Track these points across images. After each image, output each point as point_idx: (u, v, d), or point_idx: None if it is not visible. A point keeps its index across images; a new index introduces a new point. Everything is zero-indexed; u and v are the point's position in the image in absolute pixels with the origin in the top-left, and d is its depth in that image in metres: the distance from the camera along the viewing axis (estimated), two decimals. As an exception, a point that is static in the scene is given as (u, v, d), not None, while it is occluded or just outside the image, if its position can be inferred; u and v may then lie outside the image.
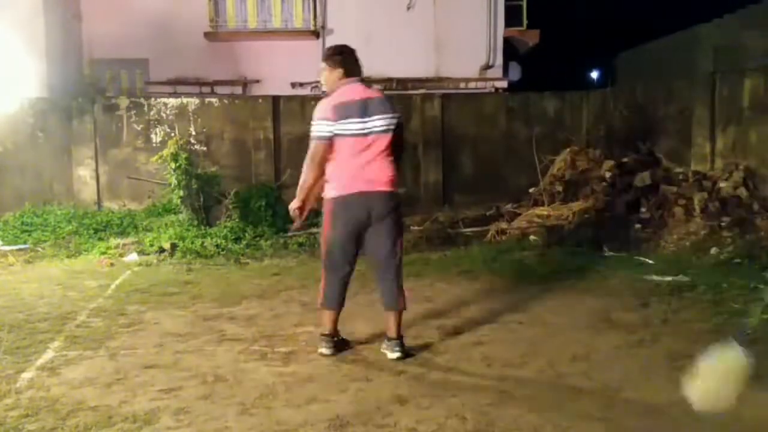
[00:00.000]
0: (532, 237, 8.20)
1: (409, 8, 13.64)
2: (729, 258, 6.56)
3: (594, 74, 29.30)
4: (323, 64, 4.20)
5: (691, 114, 8.76)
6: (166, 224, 8.78)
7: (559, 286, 5.95)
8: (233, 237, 8.26)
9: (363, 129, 4.01)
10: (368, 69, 16.05)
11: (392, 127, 4.11)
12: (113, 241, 8.22)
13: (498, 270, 6.76)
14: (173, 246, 7.82)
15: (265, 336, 4.60)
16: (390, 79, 13.31)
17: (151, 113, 10.36)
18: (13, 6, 10.68)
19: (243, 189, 9.41)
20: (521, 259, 7.26)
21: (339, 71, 4.16)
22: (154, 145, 10.14)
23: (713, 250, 6.81)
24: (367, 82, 4.17)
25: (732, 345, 2.97)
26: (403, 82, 13.41)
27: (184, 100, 10.58)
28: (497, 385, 3.61)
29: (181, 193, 8.76)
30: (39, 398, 3.47)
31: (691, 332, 4.52)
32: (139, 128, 10.33)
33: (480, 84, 13.89)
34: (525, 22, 14.64)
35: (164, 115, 10.37)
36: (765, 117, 7.62)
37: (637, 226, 7.85)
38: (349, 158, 4.03)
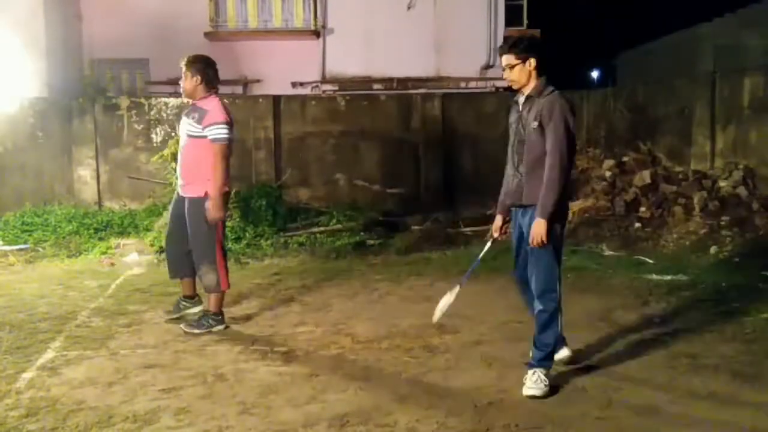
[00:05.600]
0: (532, 236, 8.20)
1: (409, 8, 13.64)
2: (728, 257, 6.57)
3: (594, 74, 29.31)
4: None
5: (691, 113, 8.76)
6: (166, 224, 8.78)
7: (559, 286, 5.94)
8: (234, 236, 8.26)
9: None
10: (368, 69, 16.07)
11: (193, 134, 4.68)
12: (114, 241, 8.22)
13: (498, 269, 6.75)
14: (174, 246, 7.83)
15: (265, 336, 4.60)
16: (390, 79, 13.31)
17: (152, 113, 10.37)
18: (13, 6, 10.68)
19: (243, 188, 9.41)
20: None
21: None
22: (155, 144, 10.14)
23: (713, 249, 6.82)
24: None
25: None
26: (403, 82, 13.40)
27: (185, 99, 10.55)
28: (497, 385, 3.62)
29: (182, 192, 8.76)
30: (39, 398, 3.48)
31: (691, 331, 4.52)
32: (139, 128, 10.33)
33: (480, 84, 13.89)
34: (525, 21, 14.65)
35: (165, 114, 10.37)
36: (765, 116, 7.62)
37: (637, 225, 7.86)
38: None
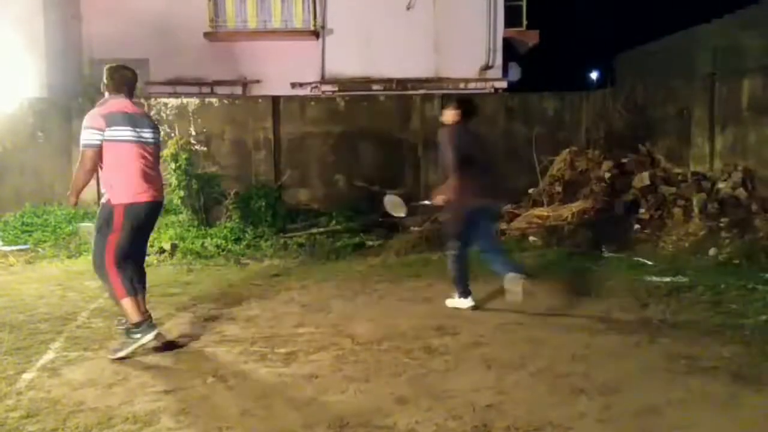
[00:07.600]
0: (531, 237, 8.22)
1: (409, 8, 13.65)
2: (727, 259, 6.58)
3: (593, 74, 29.30)
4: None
5: (690, 115, 8.77)
6: (166, 224, 8.78)
7: (558, 287, 5.96)
8: (233, 237, 8.27)
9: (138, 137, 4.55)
10: (368, 69, 15.99)
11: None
12: (113, 242, 8.21)
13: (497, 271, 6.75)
14: (173, 246, 7.83)
15: (265, 337, 4.61)
16: (390, 80, 13.32)
17: (151, 113, 10.36)
18: (13, 6, 10.69)
19: (243, 189, 9.41)
20: (520, 259, 7.26)
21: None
22: (154, 145, 10.14)
23: (712, 251, 6.83)
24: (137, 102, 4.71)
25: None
26: (402, 83, 13.41)
27: (184, 100, 10.58)
28: (497, 385, 3.62)
29: (181, 193, 8.77)
30: (40, 399, 3.48)
31: (690, 333, 4.53)
32: (139, 128, 10.32)
33: (479, 84, 13.90)
34: (525, 22, 14.67)
35: (164, 115, 10.37)
36: (764, 118, 7.62)
37: (636, 226, 7.86)
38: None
